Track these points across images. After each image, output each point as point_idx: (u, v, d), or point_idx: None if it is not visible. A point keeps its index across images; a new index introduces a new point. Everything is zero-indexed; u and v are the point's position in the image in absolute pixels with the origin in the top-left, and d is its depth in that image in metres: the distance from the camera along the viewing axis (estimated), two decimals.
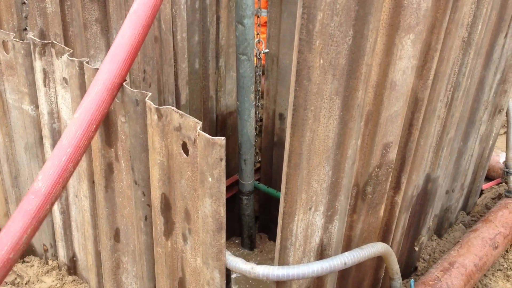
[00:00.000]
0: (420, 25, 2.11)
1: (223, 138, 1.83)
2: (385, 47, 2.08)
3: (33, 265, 3.33)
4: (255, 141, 4.79)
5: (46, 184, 1.86)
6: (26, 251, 3.42)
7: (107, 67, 2.04)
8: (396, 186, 2.61)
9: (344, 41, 1.86)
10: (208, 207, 2.00)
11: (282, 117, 4.38)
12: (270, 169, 4.78)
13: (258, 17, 4.50)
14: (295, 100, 1.82)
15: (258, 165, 4.93)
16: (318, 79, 1.84)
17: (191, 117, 1.92)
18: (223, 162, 1.88)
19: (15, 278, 3.26)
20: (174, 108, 1.97)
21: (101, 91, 2.00)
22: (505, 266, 3.56)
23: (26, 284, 3.23)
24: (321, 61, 1.81)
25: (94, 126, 1.98)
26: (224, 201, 1.97)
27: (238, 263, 2.11)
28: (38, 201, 1.84)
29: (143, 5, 2.09)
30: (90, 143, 2.01)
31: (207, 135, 1.85)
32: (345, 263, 2.17)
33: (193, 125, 1.92)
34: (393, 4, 1.99)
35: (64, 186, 1.93)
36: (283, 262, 2.17)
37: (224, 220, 2.00)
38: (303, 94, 1.82)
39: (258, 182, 4.81)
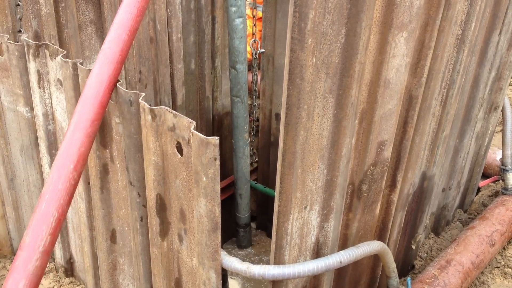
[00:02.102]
0: (413, 22, 2.11)
1: (216, 137, 1.83)
2: (378, 45, 2.08)
3: None
4: (252, 141, 4.81)
5: (31, 235, 1.79)
6: None
7: (81, 109, 1.99)
8: (392, 184, 2.62)
9: (337, 40, 1.86)
10: (203, 207, 2.00)
11: (278, 117, 4.39)
12: (267, 169, 4.78)
13: (254, 16, 4.53)
14: (288, 99, 1.82)
15: (255, 165, 4.94)
16: (311, 78, 1.84)
17: (184, 117, 1.92)
18: (217, 162, 1.88)
19: None
20: (168, 108, 1.97)
21: (74, 132, 1.95)
22: (503, 263, 3.56)
23: None
24: (314, 59, 1.81)
25: (76, 173, 1.90)
26: (219, 200, 1.97)
27: (234, 263, 2.11)
28: (25, 254, 1.76)
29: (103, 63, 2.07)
30: (75, 188, 1.91)
31: (200, 134, 1.85)
32: (340, 262, 2.17)
33: (187, 125, 1.92)
34: (386, 2, 1.99)
35: (53, 234, 1.81)
36: (279, 261, 2.16)
37: (219, 220, 2.00)
38: (296, 93, 1.82)
39: (255, 182, 4.82)
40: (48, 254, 1.82)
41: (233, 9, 3.36)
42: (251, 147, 4.85)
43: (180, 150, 2.01)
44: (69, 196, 1.88)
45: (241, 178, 4.12)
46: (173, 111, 1.96)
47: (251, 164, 4.97)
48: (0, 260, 3.40)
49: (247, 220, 4.48)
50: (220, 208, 1.98)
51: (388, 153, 2.42)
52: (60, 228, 1.86)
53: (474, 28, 2.64)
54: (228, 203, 4.61)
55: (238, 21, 3.40)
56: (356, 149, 2.30)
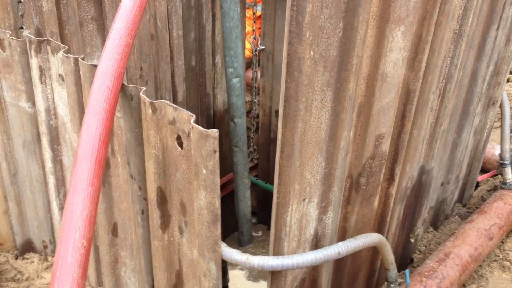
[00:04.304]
0: (410, 17, 2.14)
1: (216, 130, 1.86)
2: (375, 39, 2.11)
3: (33, 262, 3.36)
4: (253, 137, 4.84)
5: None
6: (26, 248, 3.45)
7: (77, 169, 1.86)
8: (390, 178, 2.64)
9: (334, 33, 1.89)
10: (203, 199, 2.03)
11: (278, 113, 4.41)
12: (267, 165, 4.81)
13: (254, 13, 4.56)
14: (286, 92, 1.84)
15: (256, 161, 4.97)
16: (309, 71, 1.86)
17: (185, 110, 1.95)
18: (217, 154, 1.91)
19: (15, 275, 3.29)
20: (168, 102, 2.00)
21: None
22: (501, 257, 3.59)
23: (26, 280, 3.26)
24: (312, 52, 1.83)
25: (85, 241, 1.74)
26: (219, 193, 2.00)
27: (234, 254, 2.14)
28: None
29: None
30: (87, 257, 1.74)
31: (200, 127, 1.87)
32: (338, 253, 2.20)
33: (186, 118, 1.95)
34: None
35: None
36: (278, 252, 2.19)
37: (219, 212, 2.03)
38: (294, 86, 1.85)
39: (256, 178, 4.85)
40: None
41: (230, 70, 3.63)
42: (251, 144, 4.89)
43: (180, 143, 2.04)
44: (82, 268, 1.70)
45: (242, 218, 4.41)
46: (173, 105, 1.98)
47: (251, 160, 5.01)
48: (4, 254, 3.43)
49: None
50: (220, 200, 2.00)
51: (386, 146, 2.45)
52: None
53: (471, 23, 2.66)
54: (229, 199, 4.64)
55: (235, 80, 3.67)
56: (354, 142, 2.33)
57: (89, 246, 1.75)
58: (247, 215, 4.39)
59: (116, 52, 2.09)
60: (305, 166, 2.08)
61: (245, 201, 4.28)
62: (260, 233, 5.04)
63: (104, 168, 1.95)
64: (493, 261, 3.57)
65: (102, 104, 1.96)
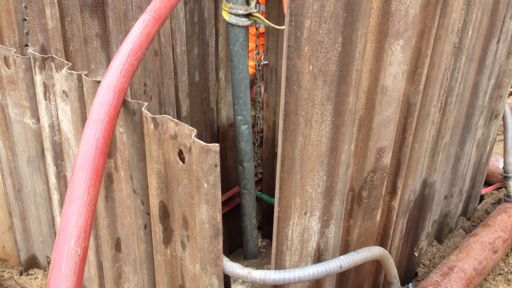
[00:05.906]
0: (409, 31, 2.16)
1: (217, 144, 1.87)
2: (375, 53, 2.13)
3: (37, 278, 3.37)
4: (257, 152, 4.85)
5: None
6: (30, 264, 3.46)
7: (75, 178, 1.85)
8: (392, 191, 2.65)
9: (333, 48, 1.91)
10: (205, 213, 2.04)
11: None
12: (272, 179, 4.81)
13: (257, 28, 4.60)
14: (286, 106, 1.86)
15: (260, 176, 4.98)
16: (308, 85, 1.88)
17: (186, 125, 1.97)
18: (218, 168, 1.92)
19: None
20: (170, 117, 2.02)
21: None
22: (506, 270, 3.57)
23: None
24: (311, 67, 1.86)
25: (80, 249, 1.72)
26: (220, 207, 2.01)
27: (236, 268, 2.14)
28: None
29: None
30: (82, 265, 1.71)
31: (201, 142, 1.89)
32: (340, 266, 2.20)
33: (188, 132, 1.97)
34: (381, 11, 2.04)
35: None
36: (279, 266, 2.20)
37: (220, 226, 2.04)
38: (294, 100, 1.87)
39: (260, 193, 4.86)
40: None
41: (239, 118, 3.77)
42: (256, 158, 4.90)
43: (182, 157, 2.06)
44: (77, 277, 1.67)
45: (250, 255, 4.50)
46: (175, 120, 2.00)
47: (255, 174, 5.01)
48: (8, 270, 3.45)
49: None
50: (221, 214, 2.01)
51: (387, 159, 2.45)
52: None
53: (471, 36, 2.68)
54: (234, 214, 4.64)
55: (243, 127, 3.80)
56: (355, 155, 2.34)
57: (85, 255, 1.73)
58: (255, 254, 4.48)
59: (119, 69, 2.12)
60: (306, 179, 2.09)
61: (253, 241, 4.39)
62: (264, 246, 5.02)
63: (102, 177, 1.97)
64: (498, 274, 3.55)
65: (102, 115, 1.99)
